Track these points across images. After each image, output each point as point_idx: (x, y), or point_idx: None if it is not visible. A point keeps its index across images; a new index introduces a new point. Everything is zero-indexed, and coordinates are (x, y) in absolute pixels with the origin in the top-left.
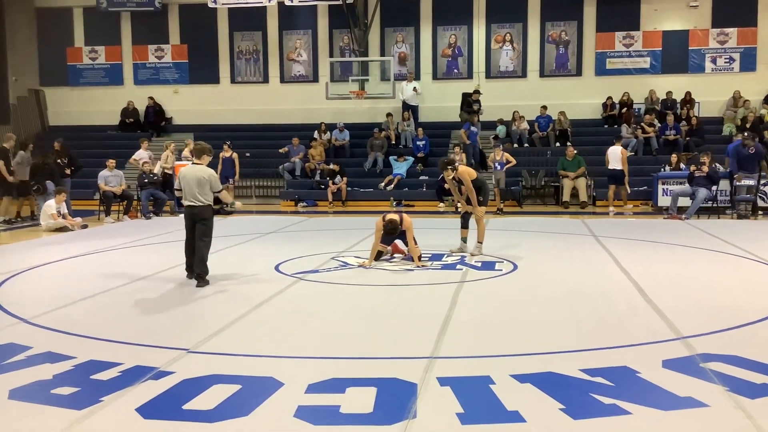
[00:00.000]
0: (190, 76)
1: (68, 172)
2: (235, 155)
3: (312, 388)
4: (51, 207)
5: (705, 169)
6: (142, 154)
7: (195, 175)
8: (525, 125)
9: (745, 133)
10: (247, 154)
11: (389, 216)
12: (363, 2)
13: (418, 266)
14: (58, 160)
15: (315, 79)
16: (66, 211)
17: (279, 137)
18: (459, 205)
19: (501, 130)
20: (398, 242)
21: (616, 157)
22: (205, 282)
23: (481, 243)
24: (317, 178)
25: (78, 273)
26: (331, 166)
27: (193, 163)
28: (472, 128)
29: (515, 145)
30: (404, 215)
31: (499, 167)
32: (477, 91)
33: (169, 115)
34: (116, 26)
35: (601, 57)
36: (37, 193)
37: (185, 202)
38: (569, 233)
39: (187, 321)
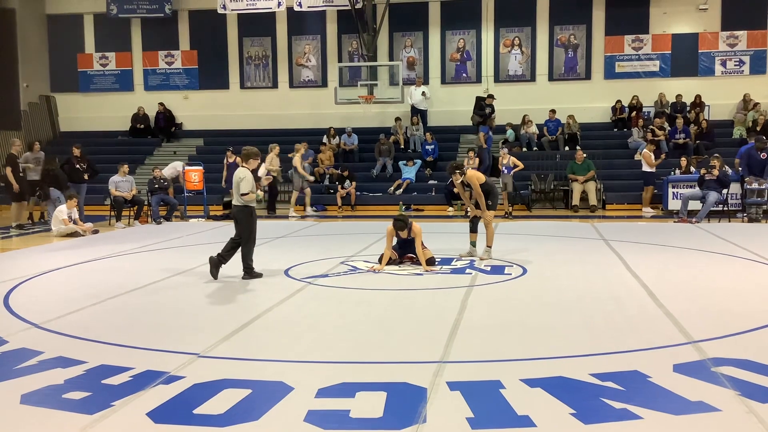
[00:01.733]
0: (200, 81)
1: (86, 177)
2: (239, 159)
3: (322, 393)
4: (62, 212)
5: (715, 172)
6: (177, 165)
7: (236, 176)
8: (534, 129)
9: (764, 137)
10: None
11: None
12: (371, 7)
13: (427, 270)
14: (77, 165)
15: (324, 84)
16: (77, 216)
17: (288, 142)
18: (468, 209)
19: (510, 134)
20: (411, 255)
21: (644, 159)
22: (252, 275)
23: (490, 247)
24: (326, 182)
25: (89, 278)
26: (339, 171)
27: (242, 165)
28: (489, 132)
29: (524, 149)
30: (413, 223)
31: (506, 171)
32: (491, 96)
33: (179, 120)
34: (126, 32)
35: (610, 60)
36: (39, 199)
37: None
38: (579, 237)
39: (198, 325)
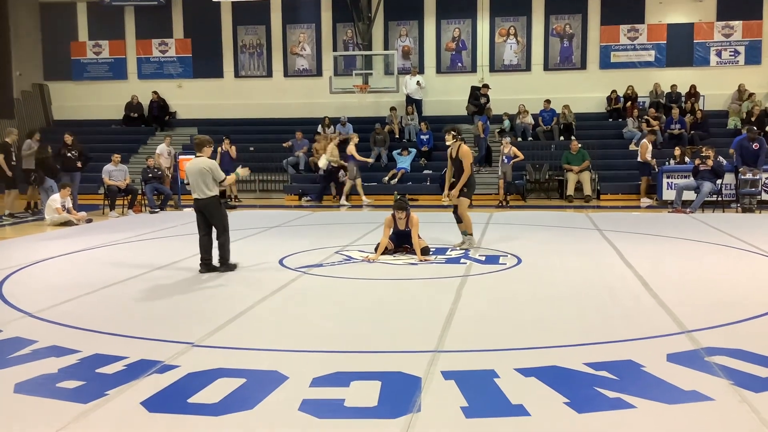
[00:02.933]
0: (194, 70)
1: (79, 165)
2: (233, 148)
3: (316, 382)
4: (56, 201)
5: (709, 162)
6: (162, 149)
7: (197, 167)
8: (529, 119)
9: (754, 128)
10: (251, 149)
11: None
12: None
13: (422, 260)
14: (69, 153)
15: (318, 73)
16: (70, 205)
17: (282, 131)
18: (445, 196)
19: (506, 124)
20: (407, 245)
21: (641, 150)
22: (229, 267)
23: (470, 234)
24: (321, 172)
25: (82, 267)
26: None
27: (196, 156)
28: (487, 122)
29: (519, 139)
30: (412, 213)
31: (506, 161)
32: (486, 86)
33: (173, 109)
34: (120, 20)
35: (605, 50)
36: (35, 183)
37: (193, 195)
38: (573, 227)
39: (192, 315)
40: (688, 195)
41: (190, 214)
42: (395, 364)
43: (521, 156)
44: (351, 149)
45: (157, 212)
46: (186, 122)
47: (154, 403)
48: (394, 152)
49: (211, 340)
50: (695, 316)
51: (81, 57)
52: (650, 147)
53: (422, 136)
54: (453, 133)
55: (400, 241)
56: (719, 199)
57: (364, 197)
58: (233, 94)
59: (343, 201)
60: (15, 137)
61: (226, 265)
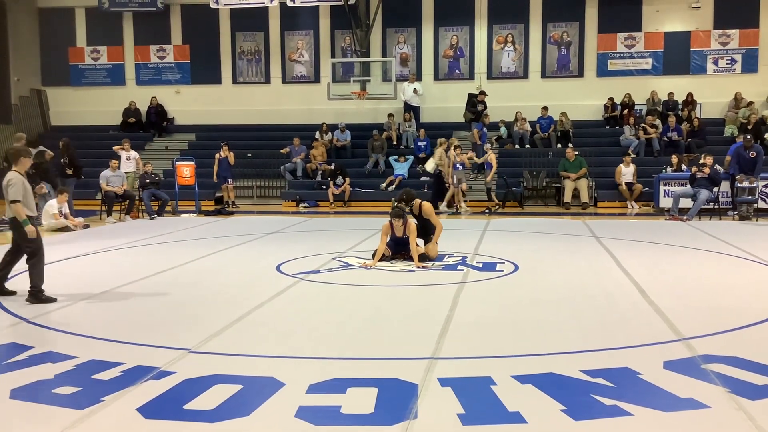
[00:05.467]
0: (192, 76)
1: (69, 172)
2: (231, 155)
3: (313, 389)
4: (53, 207)
5: (706, 170)
6: (121, 153)
7: (3, 181)
8: (527, 126)
9: (748, 136)
10: (249, 155)
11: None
12: (365, 3)
13: (419, 267)
14: (61, 160)
15: (316, 79)
16: (68, 211)
17: (280, 137)
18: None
19: (503, 131)
20: (404, 252)
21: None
22: (38, 299)
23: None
24: (318, 178)
25: (79, 273)
26: (332, 167)
27: (11, 169)
28: (483, 129)
29: (516, 146)
30: (409, 221)
31: (486, 168)
32: (483, 92)
33: (171, 115)
34: (118, 26)
35: (602, 58)
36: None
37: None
38: (570, 234)
39: (189, 321)
40: (685, 202)
41: (187, 220)
42: (392, 370)
43: (477, 164)
44: (451, 155)
45: (154, 218)
46: (184, 128)
47: (150, 410)
48: (391, 158)
49: (208, 346)
50: (692, 324)
51: (79, 62)
52: (624, 170)
53: (419, 143)
54: (410, 204)
55: (398, 248)
56: (716, 206)
57: (462, 204)
58: (231, 100)
59: (443, 207)
60: (25, 143)
61: (37, 297)
